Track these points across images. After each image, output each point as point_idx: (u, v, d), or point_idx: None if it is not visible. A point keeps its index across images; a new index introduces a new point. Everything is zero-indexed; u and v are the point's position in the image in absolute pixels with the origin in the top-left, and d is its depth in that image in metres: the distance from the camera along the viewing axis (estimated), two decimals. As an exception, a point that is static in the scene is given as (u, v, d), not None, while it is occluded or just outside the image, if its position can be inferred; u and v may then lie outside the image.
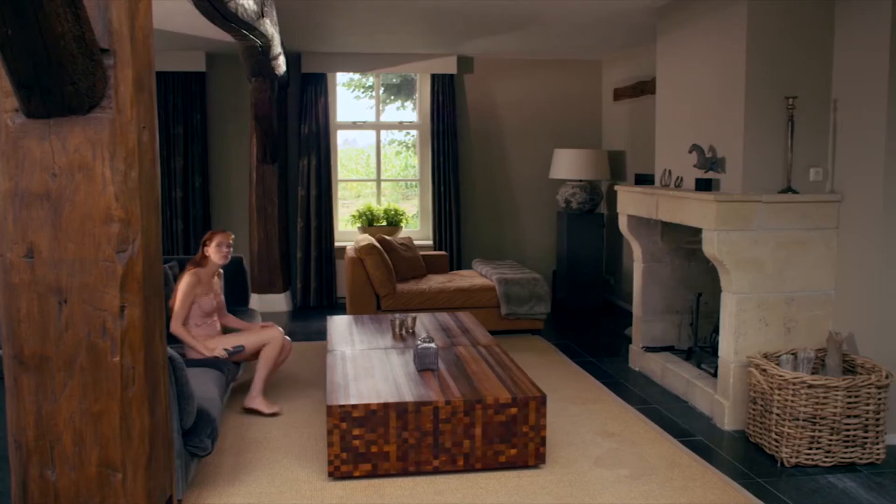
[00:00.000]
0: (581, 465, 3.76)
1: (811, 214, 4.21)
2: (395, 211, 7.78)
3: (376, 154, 8.10)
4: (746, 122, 4.25)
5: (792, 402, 3.75)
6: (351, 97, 8.35)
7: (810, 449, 3.76)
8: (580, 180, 7.39)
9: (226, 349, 4.30)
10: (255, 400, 4.36)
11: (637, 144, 7.25)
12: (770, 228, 4.20)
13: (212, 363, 4.10)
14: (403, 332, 4.92)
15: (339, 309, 7.38)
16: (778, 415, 3.83)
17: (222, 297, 4.57)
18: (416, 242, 7.32)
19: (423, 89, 7.88)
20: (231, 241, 4.47)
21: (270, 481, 3.58)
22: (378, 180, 8.10)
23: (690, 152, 4.60)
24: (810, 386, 3.72)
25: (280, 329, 4.54)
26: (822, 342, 4.21)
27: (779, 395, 3.82)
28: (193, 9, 3.82)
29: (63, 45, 1.61)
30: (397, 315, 5.02)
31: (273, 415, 4.36)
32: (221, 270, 4.60)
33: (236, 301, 5.47)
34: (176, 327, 4.20)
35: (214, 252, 4.40)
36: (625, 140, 7.58)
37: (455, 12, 5.51)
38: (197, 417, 3.29)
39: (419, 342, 4.17)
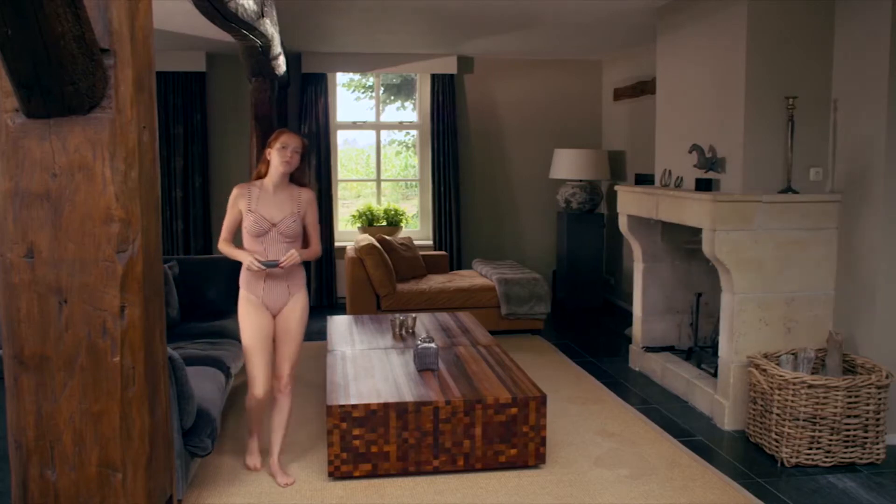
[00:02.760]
0: (581, 465, 3.76)
1: (811, 214, 4.21)
2: (395, 211, 7.78)
3: (376, 154, 8.11)
4: (746, 122, 4.25)
5: (792, 402, 3.75)
6: (351, 97, 8.35)
7: (810, 449, 3.76)
8: (580, 180, 7.39)
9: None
10: (276, 470, 3.64)
11: (637, 144, 7.24)
12: (770, 228, 4.20)
13: (212, 362, 4.09)
14: (403, 332, 4.91)
15: (339, 309, 7.38)
16: (778, 415, 3.82)
17: (294, 222, 3.53)
18: (416, 242, 7.32)
19: (423, 89, 7.88)
20: (299, 147, 3.53)
21: (270, 481, 3.58)
22: (378, 180, 8.10)
23: (690, 152, 4.60)
24: (810, 386, 3.72)
25: (261, 381, 3.59)
26: (822, 342, 4.21)
27: (779, 395, 3.81)
28: (193, 9, 3.81)
29: (63, 45, 1.61)
30: (397, 315, 5.02)
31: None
32: (312, 192, 3.66)
33: (236, 301, 5.45)
34: (220, 245, 3.58)
35: (276, 155, 3.49)
36: (625, 140, 7.58)
37: (455, 12, 5.51)
38: (197, 417, 3.29)
39: (419, 342, 4.17)
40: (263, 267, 3.45)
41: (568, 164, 7.31)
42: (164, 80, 7.27)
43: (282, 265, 3.47)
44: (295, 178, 3.60)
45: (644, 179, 6.26)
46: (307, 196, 3.62)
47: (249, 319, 3.54)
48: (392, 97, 8.47)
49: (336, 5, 5.29)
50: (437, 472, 3.64)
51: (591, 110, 8.16)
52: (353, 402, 3.60)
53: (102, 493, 1.90)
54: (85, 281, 1.84)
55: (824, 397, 3.72)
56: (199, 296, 5.29)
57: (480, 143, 7.98)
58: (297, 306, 3.60)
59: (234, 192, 3.55)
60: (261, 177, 3.58)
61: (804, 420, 3.74)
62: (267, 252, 3.51)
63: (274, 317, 3.59)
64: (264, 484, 3.55)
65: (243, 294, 3.58)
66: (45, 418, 1.87)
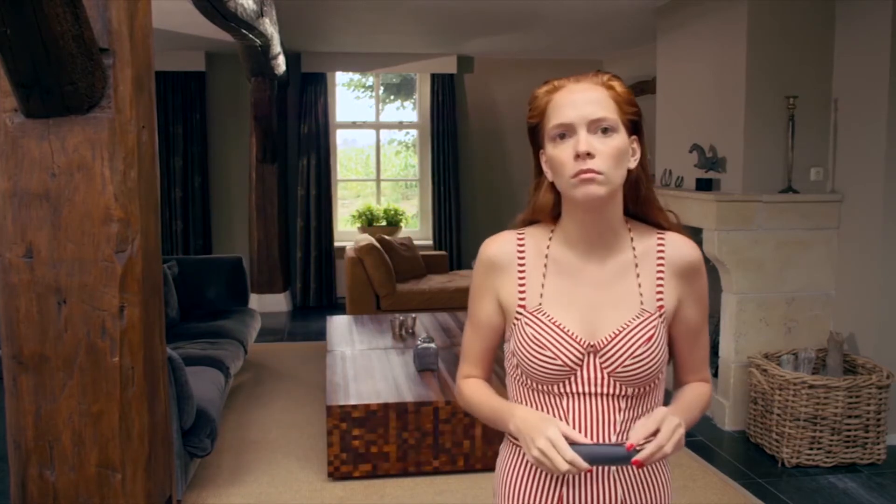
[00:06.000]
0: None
1: (811, 214, 4.20)
2: (395, 211, 7.78)
3: (376, 154, 8.10)
4: (746, 122, 4.24)
5: (793, 402, 3.75)
6: (351, 97, 8.35)
7: (811, 449, 3.76)
8: (580, 180, 7.38)
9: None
10: None
11: (637, 144, 7.23)
12: (770, 228, 4.19)
13: (212, 362, 4.06)
14: (403, 332, 4.91)
15: (339, 309, 7.37)
16: (778, 415, 3.82)
17: (651, 342, 1.34)
18: (415, 242, 7.32)
19: (423, 89, 7.88)
20: (613, 116, 1.32)
21: (270, 481, 3.57)
22: (378, 180, 8.10)
23: (690, 152, 4.60)
24: (811, 386, 3.71)
25: None
26: (822, 342, 4.21)
27: (779, 395, 3.81)
28: (193, 8, 3.81)
29: (62, 44, 1.61)
30: (397, 315, 5.02)
31: None
32: (691, 243, 1.43)
33: (236, 301, 5.46)
34: (462, 392, 1.49)
35: (557, 162, 1.31)
36: (625, 140, 7.57)
37: (455, 12, 5.50)
38: (196, 417, 3.28)
39: (419, 342, 4.16)
40: (592, 461, 1.25)
41: (568, 164, 7.30)
42: (163, 79, 7.26)
43: (641, 460, 1.23)
44: (634, 204, 1.44)
45: (644, 179, 6.25)
46: (685, 254, 1.42)
47: None
48: (392, 97, 8.47)
49: (336, 5, 5.29)
50: (436, 472, 3.64)
51: (591, 110, 8.14)
52: (352, 402, 3.59)
53: (102, 493, 1.90)
54: (84, 281, 1.84)
55: (825, 397, 3.71)
56: (199, 296, 5.29)
57: (480, 143, 7.98)
58: None
59: (485, 255, 1.46)
60: (542, 218, 1.45)
61: (805, 420, 3.73)
62: (574, 419, 1.36)
63: None
64: (264, 484, 3.54)
65: None
66: (44, 418, 1.87)
